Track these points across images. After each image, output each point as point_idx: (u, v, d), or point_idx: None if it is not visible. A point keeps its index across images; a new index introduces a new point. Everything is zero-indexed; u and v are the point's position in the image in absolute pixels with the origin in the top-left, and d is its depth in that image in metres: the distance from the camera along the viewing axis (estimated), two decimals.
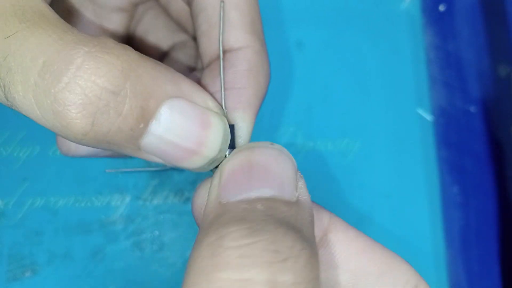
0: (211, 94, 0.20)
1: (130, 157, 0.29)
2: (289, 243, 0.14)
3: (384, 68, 0.32)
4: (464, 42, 0.33)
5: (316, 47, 0.32)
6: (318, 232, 0.19)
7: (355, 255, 0.19)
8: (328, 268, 0.19)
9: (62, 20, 0.17)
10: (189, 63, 0.26)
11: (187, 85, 0.18)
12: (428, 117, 0.32)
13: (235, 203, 0.16)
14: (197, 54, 0.26)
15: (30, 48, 0.15)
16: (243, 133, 0.20)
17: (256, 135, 0.30)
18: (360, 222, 0.30)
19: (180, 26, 0.26)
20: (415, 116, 0.32)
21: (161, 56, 0.27)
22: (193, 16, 0.22)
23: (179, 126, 0.17)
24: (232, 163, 0.17)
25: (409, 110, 0.32)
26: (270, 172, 0.17)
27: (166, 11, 0.26)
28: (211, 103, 0.19)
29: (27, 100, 0.16)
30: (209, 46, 0.21)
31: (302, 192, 0.18)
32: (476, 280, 0.29)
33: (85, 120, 0.16)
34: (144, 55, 0.17)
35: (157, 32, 0.26)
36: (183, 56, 0.26)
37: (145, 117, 0.17)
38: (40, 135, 0.29)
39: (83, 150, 0.24)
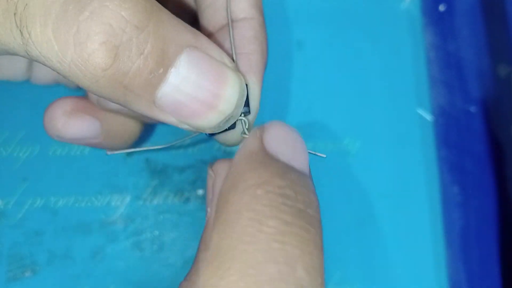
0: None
1: (125, 152, 0.28)
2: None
3: (384, 68, 0.32)
4: (464, 42, 0.33)
5: (316, 47, 0.32)
6: None
7: None
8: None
9: None
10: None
11: (204, 39, 0.18)
12: (428, 117, 0.32)
13: (278, 161, 0.17)
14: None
15: None
16: (254, 94, 0.21)
17: None
18: (360, 222, 0.30)
19: (180, 14, 0.26)
20: (415, 116, 0.32)
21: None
22: None
23: (197, 77, 0.17)
24: (277, 124, 0.18)
25: (409, 110, 0.32)
26: (304, 150, 0.18)
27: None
28: (227, 60, 0.19)
29: (45, 34, 0.15)
30: (214, 16, 0.22)
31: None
32: (476, 280, 0.29)
33: (107, 53, 0.15)
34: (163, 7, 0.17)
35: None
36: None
37: (165, 62, 0.16)
38: (40, 135, 0.29)
39: (70, 131, 0.23)
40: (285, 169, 0.16)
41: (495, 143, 0.31)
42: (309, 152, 0.19)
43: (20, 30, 0.15)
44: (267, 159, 0.17)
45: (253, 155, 0.17)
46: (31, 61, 0.25)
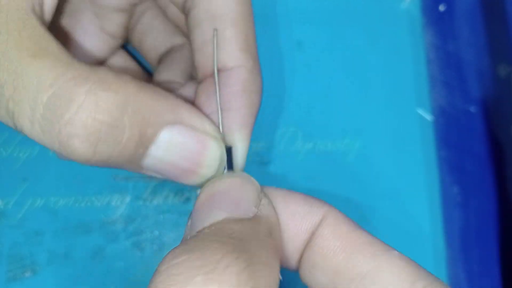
0: (208, 116, 0.21)
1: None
2: (217, 256, 0.15)
3: (384, 68, 0.32)
4: (464, 42, 0.33)
5: (316, 47, 0.32)
6: (307, 228, 0.19)
7: (341, 253, 0.18)
8: (311, 267, 0.18)
9: (63, 49, 0.18)
10: (187, 66, 0.26)
11: (185, 111, 0.19)
12: (428, 117, 0.32)
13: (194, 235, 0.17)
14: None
15: (36, 83, 0.17)
16: (240, 153, 0.21)
17: (256, 135, 0.30)
18: (360, 222, 0.30)
19: (177, 28, 0.26)
20: (415, 116, 0.32)
21: (159, 57, 0.27)
22: (188, 28, 0.22)
23: (178, 149, 0.19)
24: (199, 199, 0.19)
25: (409, 110, 0.32)
26: (227, 197, 0.18)
27: (164, 13, 0.26)
28: (208, 127, 0.20)
29: (34, 130, 0.17)
30: (203, 63, 0.22)
31: (263, 208, 0.18)
32: (476, 280, 0.29)
33: (87, 149, 0.17)
34: (143, 85, 0.18)
35: (155, 33, 0.27)
36: (181, 58, 0.26)
37: (144, 143, 0.18)
38: None
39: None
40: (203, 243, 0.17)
41: (495, 143, 0.31)
42: None
43: (13, 122, 0.18)
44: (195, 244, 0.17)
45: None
46: None
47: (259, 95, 0.22)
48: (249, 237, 0.16)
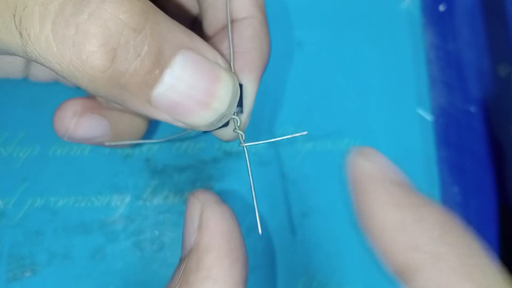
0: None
1: (127, 146, 0.28)
2: None
3: (384, 68, 0.32)
4: (464, 42, 0.33)
5: (316, 47, 0.32)
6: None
7: None
8: None
9: None
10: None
11: (199, 40, 0.18)
12: (428, 117, 0.32)
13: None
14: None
15: None
16: (249, 93, 0.21)
17: (256, 135, 0.30)
18: None
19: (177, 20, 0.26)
20: (415, 116, 0.32)
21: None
22: None
23: (192, 76, 0.18)
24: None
25: (409, 110, 0.32)
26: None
27: (164, 7, 0.26)
28: (220, 60, 0.19)
29: (43, 36, 0.15)
30: (215, 16, 0.22)
31: None
32: None
33: (106, 55, 0.16)
34: (158, 8, 0.17)
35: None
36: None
37: (161, 63, 0.17)
38: (40, 135, 0.29)
39: (81, 131, 0.24)
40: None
41: (495, 143, 0.31)
42: (291, 136, 0.20)
43: (19, 31, 0.16)
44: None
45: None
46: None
47: (268, 46, 0.22)
48: None
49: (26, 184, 0.28)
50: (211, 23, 0.23)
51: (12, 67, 0.25)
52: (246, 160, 0.20)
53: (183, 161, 0.29)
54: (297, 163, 0.30)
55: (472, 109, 0.32)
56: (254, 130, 0.30)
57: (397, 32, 0.33)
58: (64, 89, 0.28)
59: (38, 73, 0.26)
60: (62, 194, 0.28)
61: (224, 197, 0.29)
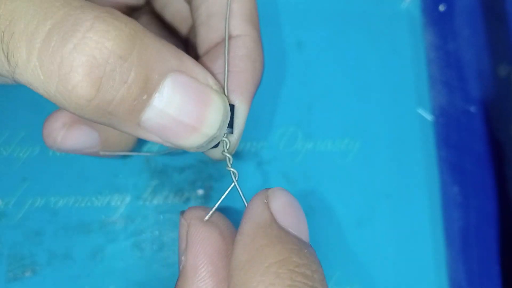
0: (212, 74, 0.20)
1: (120, 156, 0.29)
2: None
3: (384, 68, 0.32)
4: (464, 42, 0.33)
5: (316, 47, 0.32)
6: None
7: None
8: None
9: None
10: None
11: (189, 62, 0.18)
12: (428, 117, 0.32)
13: (292, 236, 0.17)
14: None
15: (37, 12, 0.15)
16: (240, 114, 0.21)
17: (256, 135, 0.30)
18: (360, 222, 0.30)
19: (171, 31, 0.26)
20: (415, 116, 0.32)
21: None
22: (193, 10, 0.23)
23: (181, 101, 0.17)
24: (282, 193, 0.18)
25: (409, 110, 0.32)
26: (305, 220, 0.19)
27: (159, 17, 0.26)
28: (211, 81, 0.19)
29: (30, 64, 0.15)
30: (208, 34, 0.22)
31: None
32: (476, 280, 0.29)
33: (91, 84, 0.15)
34: (147, 30, 0.17)
35: None
36: None
37: (149, 88, 0.17)
38: (40, 135, 0.29)
39: (69, 143, 0.23)
40: (300, 245, 0.17)
41: (495, 143, 0.31)
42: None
43: (7, 58, 0.16)
44: (282, 234, 0.17)
45: (267, 229, 0.17)
46: None
47: (262, 64, 0.22)
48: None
49: (26, 184, 0.28)
50: (203, 41, 0.22)
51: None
52: (235, 183, 0.20)
53: (183, 161, 0.29)
54: (297, 163, 0.30)
55: (472, 109, 0.32)
56: (254, 130, 0.30)
57: (397, 32, 0.33)
58: None
59: None
60: (62, 194, 0.28)
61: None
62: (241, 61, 0.21)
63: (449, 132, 0.31)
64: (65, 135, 0.23)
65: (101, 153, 0.25)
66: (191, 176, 0.29)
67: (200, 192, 0.29)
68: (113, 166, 0.29)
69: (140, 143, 0.28)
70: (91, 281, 0.27)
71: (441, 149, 0.31)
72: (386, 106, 0.32)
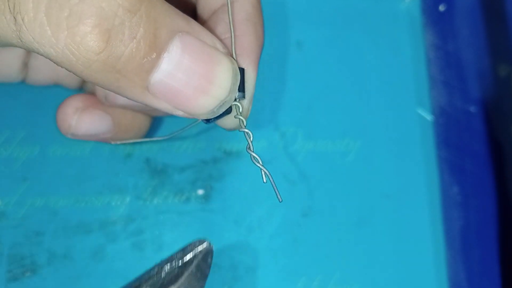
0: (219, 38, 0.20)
1: (131, 143, 0.28)
2: None
3: (384, 68, 0.32)
4: (464, 42, 0.33)
5: (316, 47, 0.32)
6: None
7: None
8: None
9: None
10: None
11: (196, 25, 0.18)
12: (428, 117, 0.32)
13: None
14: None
15: None
16: (249, 77, 0.20)
17: (256, 135, 0.30)
18: (360, 222, 0.30)
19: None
20: (415, 116, 0.32)
21: None
22: None
23: (190, 62, 0.17)
24: None
25: (409, 110, 0.32)
26: None
27: None
28: (219, 45, 0.19)
29: (37, 20, 0.15)
30: (206, 2, 0.22)
31: None
32: (476, 280, 0.29)
33: (100, 36, 0.15)
34: None
35: None
36: None
37: (158, 46, 0.16)
38: (40, 135, 0.29)
39: (83, 127, 0.24)
40: None
41: (495, 143, 0.31)
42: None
43: (13, 16, 0.15)
44: None
45: None
46: (25, 62, 0.25)
47: (262, 28, 0.22)
48: None
49: (26, 184, 0.28)
50: (204, 7, 0.22)
51: (7, 69, 0.25)
52: (249, 144, 0.19)
53: (183, 161, 0.29)
54: (297, 163, 0.30)
55: (472, 109, 0.32)
56: (254, 130, 0.30)
57: (397, 32, 0.33)
58: (64, 90, 0.28)
59: (35, 76, 0.26)
60: (62, 194, 0.28)
61: (224, 197, 0.29)
62: (242, 25, 0.21)
63: (449, 132, 0.31)
64: (79, 120, 0.23)
65: (112, 141, 0.24)
66: (191, 176, 0.29)
67: (200, 192, 0.29)
68: (113, 166, 0.29)
69: (146, 135, 0.28)
70: (91, 281, 0.27)
71: (441, 149, 0.31)
72: (386, 106, 0.32)
